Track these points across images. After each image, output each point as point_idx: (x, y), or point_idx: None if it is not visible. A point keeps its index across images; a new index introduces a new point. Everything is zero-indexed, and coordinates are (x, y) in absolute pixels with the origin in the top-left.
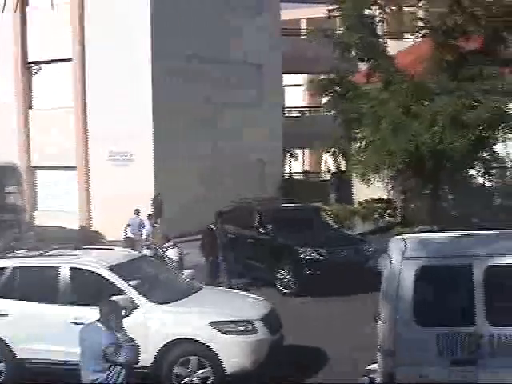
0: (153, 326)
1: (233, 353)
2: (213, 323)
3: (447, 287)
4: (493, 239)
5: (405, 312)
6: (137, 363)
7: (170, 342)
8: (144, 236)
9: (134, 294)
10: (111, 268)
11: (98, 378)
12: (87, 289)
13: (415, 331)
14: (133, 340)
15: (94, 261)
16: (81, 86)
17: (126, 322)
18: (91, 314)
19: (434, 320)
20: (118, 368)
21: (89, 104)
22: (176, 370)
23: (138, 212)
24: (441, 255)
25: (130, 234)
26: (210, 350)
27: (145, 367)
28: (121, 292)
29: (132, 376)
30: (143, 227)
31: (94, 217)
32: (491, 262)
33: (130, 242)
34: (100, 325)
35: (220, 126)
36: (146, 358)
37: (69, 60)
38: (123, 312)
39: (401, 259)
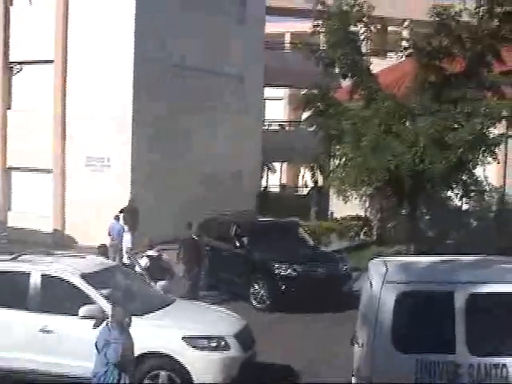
0: None
1: (204, 369)
2: (185, 338)
3: (428, 314)
4: (475, 266)
5: (384, 337)
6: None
7: (141, 355)
8: (127, 244)
9: (104, 305)
10: (83, 276)
11: (97, 373)
12: (58, 297)
13: (393, 357)
14: (128, 339)
15: (65, 268)
16: (61, 88)
17: (95, 332)
18: (61, 322)
19: (414, 347)
20: (112, 367)
21: (68, 107)
22: (145, 383)
23: (118, 218)
24: (422, 281)
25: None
26: (181, 365)
27: None
28: (92, 301)
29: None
30: (123, 232)
31: (68, 221)
32: (473, 289)
33: (103, 250)
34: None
35: (199, 136)
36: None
37: (51, 62)
38: (94, 322)
39: (381, 283)
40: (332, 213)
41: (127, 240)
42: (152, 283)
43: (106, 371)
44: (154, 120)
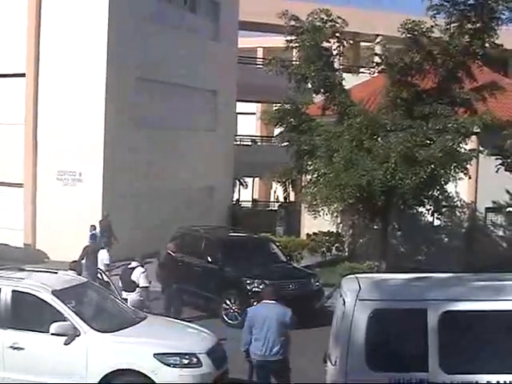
0: (95, 354)
1: None
2: (156, 355)
3: (401, 331)
4: (448, 284)
5: (356, 355)
6: None
7: (112, 372)
8: (104, 261)
9: (76, 321)
10: (54, 293)
11: None
12: (29, 313)
13: (366, 375)
14: None
15: (36, 284)
16: (33, 102)
17: (66, 349)
18: (32, 339)
19: (387, 365)
20: None
21: (40, 121)
22: None
23: (94, 227)
24: (395, 298)
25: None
26: (153, 382)
27: None
28: (63, 318)
29: None
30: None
31: (39, 236)
32: (446, 307)
33: (74, 266)
34: None
35: (172, 149)
36: None
37: (22, 75)
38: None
39: (354, 301)
40: (303, 229)
41: (104, 257)
42: (123, 296)
43: None
44: (127, 134)
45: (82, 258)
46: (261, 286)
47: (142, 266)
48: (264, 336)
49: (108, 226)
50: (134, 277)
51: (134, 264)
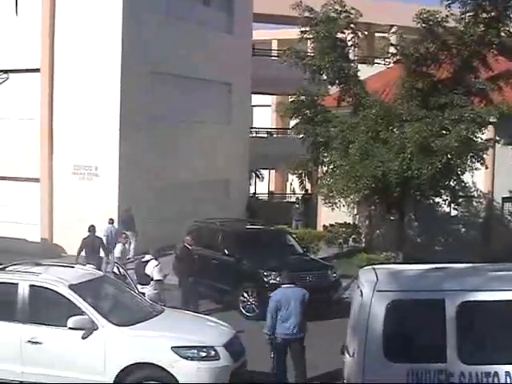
0: (112, 348)
1: (194, 379)
2: (174, 348)
3: (419, 322)
4: (465, 274)
5: (374, 346)
6: None
7: (130, 365)
8: (116, 254)
9: (93, 315)
10: (71, 287)
11: None
12: (46, 307)
13: (384, 366)
14: None
15: (54, 279)
16: (48, 97)
17: (84, 343)
18: (49, 333)
19: (405, 355)
20: None
21: (55, 116)
22: None
23: (112, 221)
24: (413, 289)
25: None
26: (171, 375)
27: None
28: (80, 312)
29: None
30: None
31: (55, 230)
32: (464, 297)
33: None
34: None
35: (187, 143)
36: (105, 381)
37: (37, 70)
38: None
39: (372, 292)
40: (320, 220)
41: (116, 251)
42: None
43: None
44: (142, 128)
45: (81, 250)
46: (278, 279)
47: (156, 259)
48: (290, 316)
49: (130, 218)
50: (147, 270)
51: (147, 257)
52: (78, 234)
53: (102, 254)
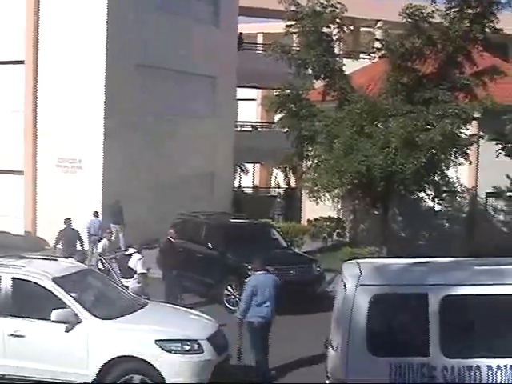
0: (96, 341)
1: (177, 372)
2: (158, 341)
3: (402, 316)
4: (449, 268)
5: (358, 340)
6: None
7: (113, 359)
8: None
9: (77, 308)
10: (55, 280)
11: None
12: (29, 301)
13: (368, 360)
14: None
15: (37, 272)
16: (32, 89)
17: (67, 337)
18: (32, 326)
19: (388, 349)
20: None
21: (39, 108)
22: None
23: (97, 214)
24: (396, 283)
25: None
26: (155, 368)
27: None
28: (64, 305)
29: None
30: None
31: (39, 223)
32: (447, 292)
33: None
34: None
35: (172, 136)
36: (88, 374)
37: (21, 62)
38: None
39: (355, 286)
40: (304, 214)
41: (100, 246)
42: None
43: None
44: (127, 121)
45: (57, 243)
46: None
47: (139, 253)
48: (265, 301)
49: (120, 211)
50: (131, 263)
51: (131, 251)
52: (61, 227)
53: (78, 246)
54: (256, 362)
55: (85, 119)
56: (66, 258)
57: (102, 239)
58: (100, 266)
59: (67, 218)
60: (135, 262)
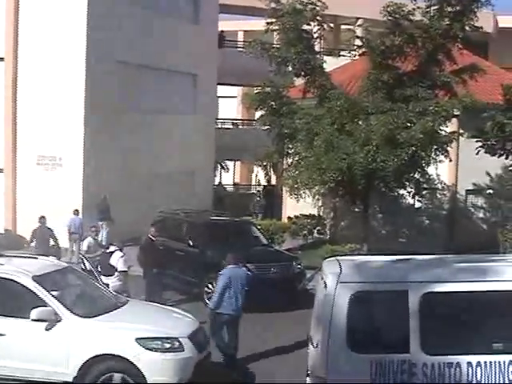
0: (76, 340)
1: (157, 370)
2: (138, 339)
3: (382, 313)
4: (429, 265)
5: (338, 337)
6: None
7: (94, 357)
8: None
9: (57, 307)
10: (34, 278)
11: None
12: (9, 299)
13: (348, 357)
14: None
15: (17, 270)
16: (12, 86)
17: (47, 335)
18: (12, 325)
19: (368, 346)
20: None
21: (19, 105)
22: None
23: (77, 212)
24: (377, 280)
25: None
26: (135, 366)
27: (66, 383)
28: (44, 304)
29: None
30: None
31: (19, 221)
32: (427, 289)
33: (54, 251)
34: None
35: (152, 134)
36: (68, 372)
37: (1, 59)
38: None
39: (336, 283)
40: (285, 212)
41: (85, 244)
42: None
43: None
44: (107, 119)
45: (31, 241)
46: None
47: (121, 251)
48: (237, 294)
49: (106, 207)
50: (112, 261)
51: (112, 248)
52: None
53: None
54: (220, 351)
55: (65, 116)
56: (47, 256)
57: (86, 237)
58: (86, 264)
59: (42, 217)
60: (117, 260)
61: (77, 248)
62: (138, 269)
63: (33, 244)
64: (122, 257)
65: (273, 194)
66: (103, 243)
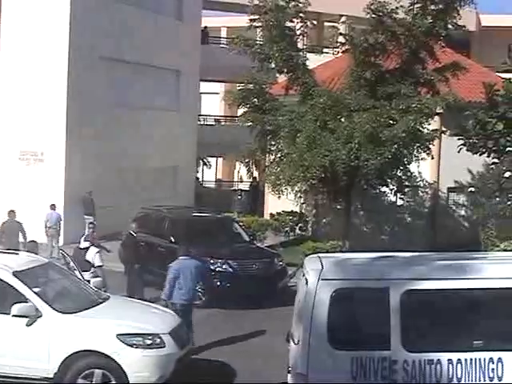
0: (56, 336)
1: (139, 367)
2: (119, 335)
3: (363, 310)
4: (410, 263)
5: (319, 334)
6: None
7: (74, 353)
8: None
9: (37, 302)
10: (15, 274)
11: None
12: None
13: (329, 354)
14: None
15: None
16: None
17: (28, 331)
18: None
19: (349, 343)
20: None
21: (0, 101)
22: (79, 382)
23: (54, 207)
24: (358, 277)
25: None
26: (116, 363)
27: (47, 378)
28: (24, 299)
29: None
30: (60, 221)
31: (0, 216)
32: (408, 286)
33: (32, 246)
34: None
35: (135, 129)
36: (49, 368)
37: None
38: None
39: (317, 280)
40: (267, 209)
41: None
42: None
43: None
44: (89, 115)
45: (0, 236)
46: (224, 266)
47: (96, 246)
48: (188, 284)
49: (90, 202)
50: (88, 256)
51: (85, 244)
52: (23, 221)
53: (21, 238)
54: None
55: (47, 112)
56: (28, 251)
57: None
58: (68, 260)
59: (11, 211)
60: (93, 255)
61: (56, 243)
62: (118, 265)
63: (1, 239)
64: (98, 252)
65: (256, 191)
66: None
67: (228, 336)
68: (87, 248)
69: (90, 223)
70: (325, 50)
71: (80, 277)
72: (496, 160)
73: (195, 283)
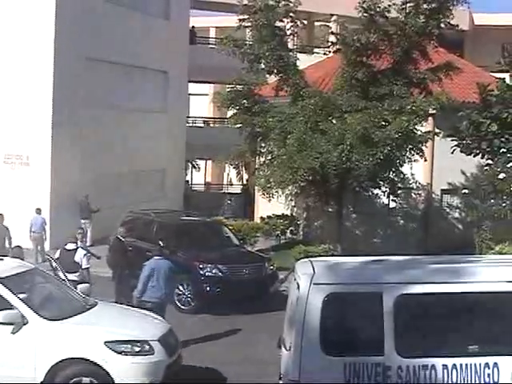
0: (43, 343)
1: (127, 374)
2: (107, 343)
3: (356, 315)
4: (403, 267)
5: (311, 340)
6: None
7: (61, 361)
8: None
9: (23, 309)
10: (0, 280)
11: None
12: None
13: (321, 360)
14: None
15: None
16: None
17: (14, 338)
18: None
19: (342, 349)
20: None
21: None
22: None
23: (39, 211)
24: (350, 282)
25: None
26: (104, 370)
27: None
28: (10, 306)
29: None
30: (45, 225)
31: None
32: (402, 290)
33: (17, 252)
34: None
35: (122, 132)
36: (35, 377)
37: None
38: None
39: (309, 285)
40: (257, 212)
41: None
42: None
43: None
44: (76, 117)
45: None
46: (214, 271)
47: (83, 248)
48: (160, 283)
49: (86, 206)
50: (77, 258)
51: (71, 246)
52: (9, 225)
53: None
54: None
55: (32, 115)
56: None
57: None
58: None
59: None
60: (81, 257)
61: (41, 247)
62: (106, 270)
63: None
64: (85, 254)
65: (246, 194)
66: (87, 242)
67: (218, 342)
68: (75, 249)
69: (79, 228)
70: (316, 50)
71: (63, 277)
72: (490, 161)
73: (166, 283)
